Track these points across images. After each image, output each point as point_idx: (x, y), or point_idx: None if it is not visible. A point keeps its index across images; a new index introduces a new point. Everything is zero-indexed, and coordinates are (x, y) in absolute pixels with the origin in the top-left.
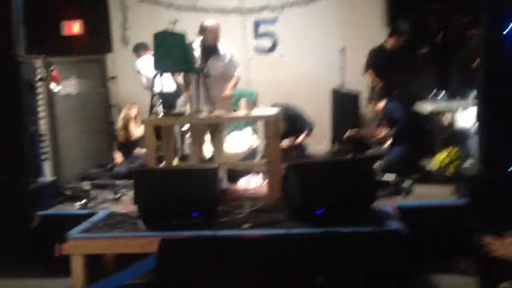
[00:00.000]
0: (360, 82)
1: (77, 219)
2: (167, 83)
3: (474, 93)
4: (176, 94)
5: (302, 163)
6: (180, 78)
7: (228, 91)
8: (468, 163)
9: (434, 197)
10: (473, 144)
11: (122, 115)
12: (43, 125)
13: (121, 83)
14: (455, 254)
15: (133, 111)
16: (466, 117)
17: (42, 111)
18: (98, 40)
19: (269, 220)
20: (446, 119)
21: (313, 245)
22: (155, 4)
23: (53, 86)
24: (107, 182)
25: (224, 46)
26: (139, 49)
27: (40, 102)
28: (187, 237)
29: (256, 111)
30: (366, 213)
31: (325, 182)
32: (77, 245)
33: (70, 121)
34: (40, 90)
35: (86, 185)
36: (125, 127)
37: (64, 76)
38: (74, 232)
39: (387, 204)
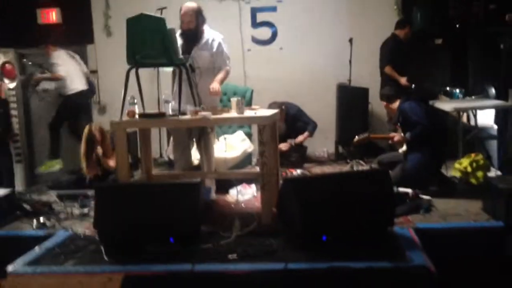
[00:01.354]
0: (369, 76)
1: (31, 241)
2: (76, 81)
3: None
4: (88, 93)
5: (301, 177)
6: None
7: (216, 85)
8: (494, 172)
9: (459, 216)
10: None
11: (83, 148)
12: (16, 124)
13: (102, 77)
14: None
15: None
16: (487, 116)
17: (14, 109)
18: (77, 30)
19: (261, 248)
20: (464, 118)
21: (317, 285)
22: None
23: (7, 81)
24: (77, 193)
25: (210, 33)
26: None
27: (12, 99)
28: (158, 273)
29: (249, 112)
30: (382, 240)
31: (331, 201)
32: (19, 283)
33: (46, 120)
34: (12, 85)
35: (52, 195)
36: (93, 167)
37: (41, 70)
38: (18, 264)
39: (404, 225)
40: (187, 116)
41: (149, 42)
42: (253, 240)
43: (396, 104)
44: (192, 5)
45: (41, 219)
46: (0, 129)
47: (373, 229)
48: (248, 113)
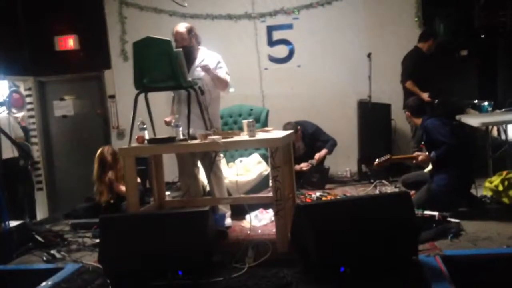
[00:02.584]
0: (391, 91)
1: (40, 275)
2: None
3: None
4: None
5: (315, 204)
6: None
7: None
8: None
9: (490, 240)
10: None
11: (95, 172)
12: (37, 152)
13: (120, 102)
14: None
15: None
16: None
17: (35, 136)
18: (95, 56)
19: (274, 281)
20: (494, 132)
21: None
22: (156, 12)
23: (14, 111)
24: (91, 222)
25: (207, 53)
26: None
27: (32, 126)
28: None
29: (262, 135)
30: (405, 271)
31: (348, 229)
32: None
33: (66, 146)
34: (33, 113)
35: (67, 225)
36: (105, 191)
37: (60, 96)
38: None
39: (430, 252)
40: (197, 141)
41: (156, 65)
42: (266, 271)
43: (419, 119)
44: (184, 24)
45: (52, 251)
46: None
47: (395, 259)
48: (260, 135)
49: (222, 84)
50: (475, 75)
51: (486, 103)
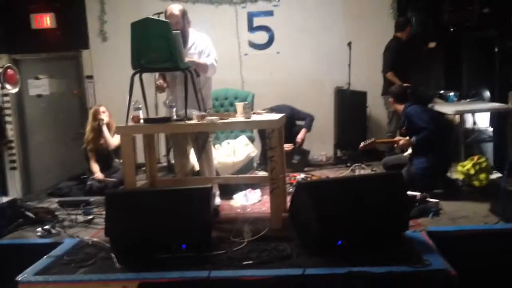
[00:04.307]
0: (367, 80)
1: (38, 250)
2: None
3: (487, 93)
4: None
5: (317, 182)
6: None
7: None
8: (496, 175)
9: (468, 218)
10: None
11: (89, 124)
12: (11, 131)
13: (98, 83)
14: None
15: (104, 116)
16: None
17: (9, 115)
18: (72, 35)
19: (276, 254)
20: (456, 120)
21: None
22: None
23: (9, 87)
24: (78, 199)
25: (196, 35)
26: None
27: (6, 105)
28: (174, 280)
29: (256, 117)
30: (398, 244)
31: (347, 206)
32: None
33: (41, 126)
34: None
35: (53, 202)
36: (97, 138)
37: (35, 75)
38: (29, 272)
39: (416, 228)
40: (194, 121)
41: (154, 47)
42: (265, 245)
43: (401, 105)
44: (178, 6)
45: (46, 227)
46: None
47: (388, 233)
48: (256, 117)
49: (210, 70)
50: (442, 67)
51: (452, 93)
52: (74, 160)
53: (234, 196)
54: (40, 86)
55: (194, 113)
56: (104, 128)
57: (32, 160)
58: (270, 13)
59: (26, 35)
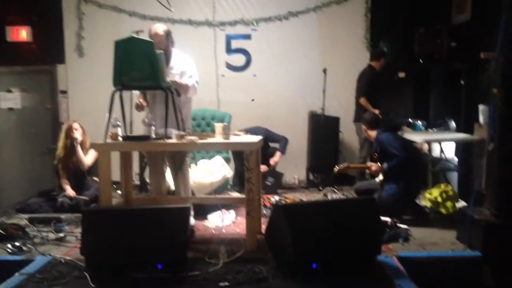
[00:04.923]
0: (340, 106)
1: (8, 266)
2: None
3: (453, 123)
4: None
5: (293, 204)
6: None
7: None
8: (461, 203)
9: (436, 245)
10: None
11: (61, 140)
12: None
13: (73, 98)
14: None
15: (77, 133)
16: (450, 148)
17: None
18: (48, 49)
19: (251, 276)
20: (425, 148)
21: None
22: (116, 11)
23: None
24: (49, 216)
25: (179, 55)
26: None
27: None
28: None
29: (236, 138)
30: (370, 268)
31: (322, 229)
32: None
33: (11, 140)
34: None
35: (22, 219)
36: (69, 156)
37: (7, 88)
38: None
39: (387, 253)
40: (173, 140)
41: (137, 65)
42: (241, 267)
43: (373, 132)
44: (162, 27)
45: (17, 244)
46: None
47: (362, 257)
48: (233, 138)
49: (191, 91)
50: (410, 96)
51: (419, 122)
52: (43, 176)
53: (209, 217)
54: (11, 99)
55: (174, 132)
56: (78, 148)
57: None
58: (248, 37)
59: (0, 47)
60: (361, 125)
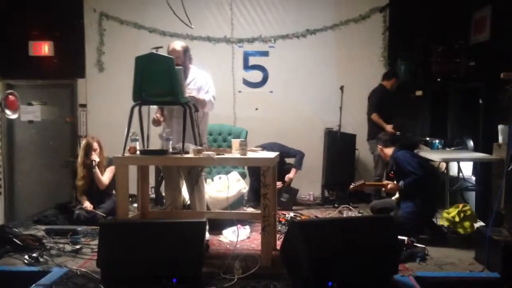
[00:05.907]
0: (356, 123)
1: (25, 277)
2: None
3: (471, 142)
4: None
5: (310, 221)
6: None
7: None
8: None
9: (454, 265)
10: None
11: (80, 157)
12: None
13: (92, 112)
14: None
15: (95, 155)
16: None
17: None
18: (69, 64)
19: None
20: (442, 167)
21: None
22: (136, 27)
23: (8, 113)
24: (65, 228)
25: (197, 71)
26: None
27: None
28: None
29: (253, 154)
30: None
31: (339, 247)
32: None
33: (30, 152)
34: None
35: (39, 230)
36: (88, 175)
37: (28, 101)
38: None
39: (403, 273)
40: (190, 155)
41: (157, 81)
42: (256, 283)
43: (390, 150)
44: (180, 43)
45: (34, 255)
46: None
47: (379, 276)
48: (250, 154)
49: (208, 106)
50: (428, 115)
51: (437, 141)
52: (61, 188)
53: (224, 232)
54: (32, 112)
55: (191, 147)
56: (96, 170)
57: (18, 186)
58: (265, 53)
59: (23, 61)
60: (374, 143)
